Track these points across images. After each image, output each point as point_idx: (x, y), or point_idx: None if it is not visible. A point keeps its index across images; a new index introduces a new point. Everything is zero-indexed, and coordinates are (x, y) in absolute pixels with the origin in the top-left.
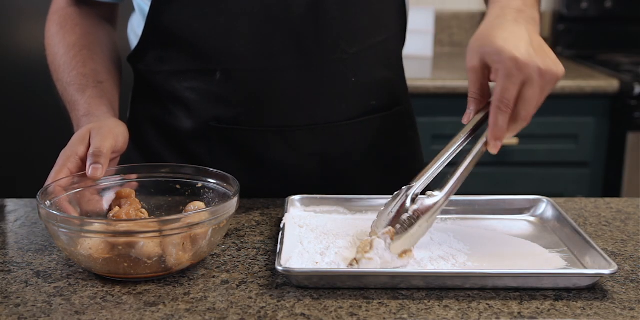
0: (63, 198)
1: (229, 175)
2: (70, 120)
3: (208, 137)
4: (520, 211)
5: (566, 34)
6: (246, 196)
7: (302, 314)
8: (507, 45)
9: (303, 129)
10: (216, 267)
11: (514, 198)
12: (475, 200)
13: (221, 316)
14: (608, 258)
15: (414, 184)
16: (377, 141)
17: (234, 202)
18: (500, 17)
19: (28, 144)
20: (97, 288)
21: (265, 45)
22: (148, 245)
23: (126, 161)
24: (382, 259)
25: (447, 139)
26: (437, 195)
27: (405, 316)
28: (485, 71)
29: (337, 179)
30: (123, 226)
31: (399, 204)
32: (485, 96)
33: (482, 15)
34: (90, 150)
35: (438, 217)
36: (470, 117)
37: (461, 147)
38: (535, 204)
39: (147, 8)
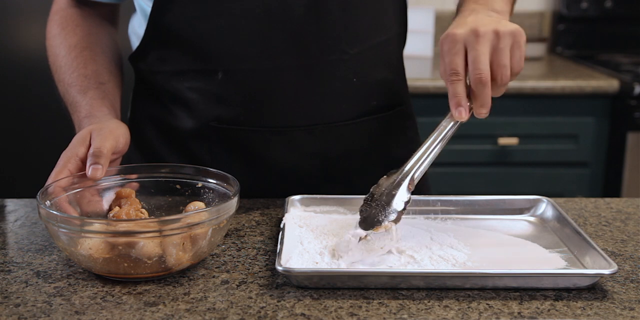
0: (63, 198)
1: (229, 175)
2: (71, 121)
3: (208, 137)
4: (520, 211)
5: (566, 34)
6: (246, 196)
7: (302, 314)
8: (448, 31)
9: (303, 129)
10: (216, 267)
11: (514, 198)
12: (475, 200)
13: (221, 316)
14: (608, 258)
15: (407, 169)
16: (378, 141)
17: (234, 202)
18: (457, 19)
19: (28, 144)
20: (97, 288)
21: (266, 45)
22: (148, 245)
23: (126, 161)
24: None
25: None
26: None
27: (405, 316)
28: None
29: (337, 179)
30: (123, 226)
31: (393, 191)
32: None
33: None
34: (90, 151)
35: (439, 216)
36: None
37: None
38: (535, 204)
39: (148, 8)
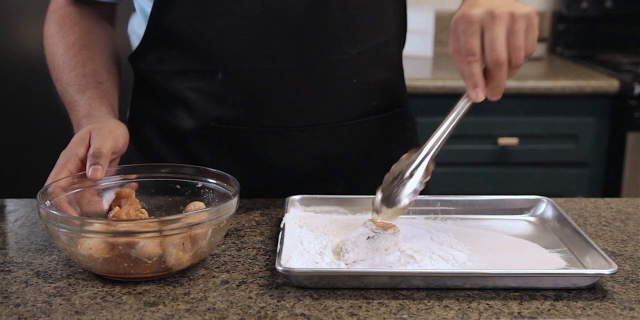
0: (62, 198)
1: (229, 175)
2: (69, 120)
3: (208, 137)
4: (520, 211)
5: (566, 34)
6: (246, 196)
7: (302, 314)
8: (460, 12)
9: (303, 130)
10: (216, 267)
11: (514, 198)
12: (475, 200)
13: (221, 316)
14: (608, 258)
15: (427, 149)
16: (377, 141)
17: (234, 202)
18: (470, 1)
19: (28, 144)
20: (97, 288)
21: (267, 45)
22: (148, 245)
23: (126, 161)
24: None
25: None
26: (417, 152)
27: (405, 316)
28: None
29: (337, 179)
30: (123, 226)
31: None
32: None
33: None
34: (90, 151)
35: (439, 216)
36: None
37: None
38: (535, 204)
39: (148, 9)
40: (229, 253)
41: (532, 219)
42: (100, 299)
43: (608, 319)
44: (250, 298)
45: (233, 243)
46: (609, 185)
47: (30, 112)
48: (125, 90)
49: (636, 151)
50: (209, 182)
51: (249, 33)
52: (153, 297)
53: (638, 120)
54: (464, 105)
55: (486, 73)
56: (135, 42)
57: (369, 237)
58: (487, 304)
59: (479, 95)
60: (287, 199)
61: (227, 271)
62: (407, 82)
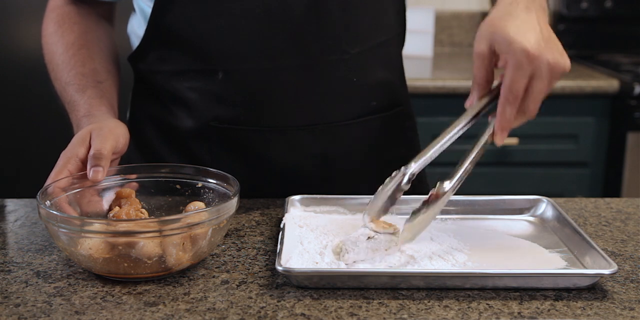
0: (62, 199)
1: (229, 175)
2: (69, 120)
3: (208, 137)
4: (520, 211)
5: (566, 34)
6: (246, 196)
7: (302, 314)
8: (518, 35)
9: (303, 129)
10: (216, 267)
11: (514, 198)
12: (475, 200)
13: (221, 316)
14: (608, 258)
15: (412, 164)
16: (377, 141)
17: (234, 202)
18: (513, 4)
19: (28, 144)
20: (97, 288)
21: (266, 45)
22: (148, 245)
23: (126, 161)
24: (366, 250)
25: (449, 124)
26: (447, 185)
27: (405, 316)
28: (492, 58)
29: (337, 179)
30: (123, 226)
31: (396, 183)
32: (489, 82)
33: (482, 15)
34: (91, 153)
35: (439, 216)
36: (472, 102)
37: (461, 132)
38: (535, 204)
39: (148, 9)
40: (229, 253)
41: (532, 219)
42: (100, 299)
43: (608, 319)
44: (250, 298)
45: (233, 243)
46: (609, 185)
47: (30, 112)
48: (125, 91)
49: (636, 151)
50: (209, 182)
51: (249, 33)
52: (153, 297)
53: (638, 120)
54: (483, 141)
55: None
56: (135, 42)
57: (369, 238)
58: (487, 304)
59: (503, 140)
60: (287, 199)
61: (227, 271)
62: (407, 82)
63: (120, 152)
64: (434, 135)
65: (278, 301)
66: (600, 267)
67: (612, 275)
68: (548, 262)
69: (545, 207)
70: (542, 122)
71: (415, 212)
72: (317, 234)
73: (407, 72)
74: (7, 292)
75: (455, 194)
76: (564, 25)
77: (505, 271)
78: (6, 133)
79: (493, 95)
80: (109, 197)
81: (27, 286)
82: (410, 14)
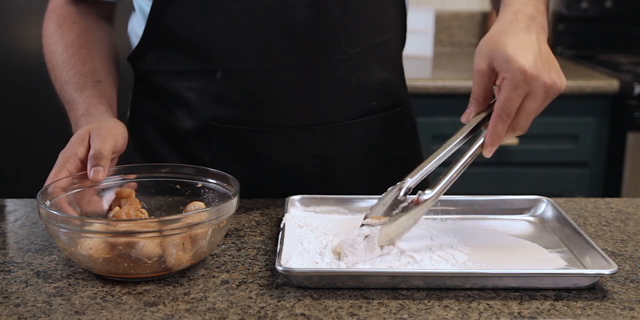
0: (62, 199)
1: (229, 175)
2: (67, 119)
3: (208, 137)
4: (520, 211)
5: (566, 34)
6: (246, 196)
7: (302, 314)
8: (517, 54)
9: (303, 129)
10: (216, 267)
11: (514, 198)
12: (475, 200)
13: (221, 316)
14: (608, 258)
15: (408, 179)
16: (377, 141)
17: (234, 202)
18: (513, 23)
19: (28, 144)
20: (97, 288)
21: (266, 45)
22: (148, 245)
23: (126, 161)
24: (364, 250)
25: (447, 139)
26: (428, 194)
27: (405, 316)
28: (491, 75)
29: (337, 179)
30: (123, 226)
31: (392, 197)
32: (487, 99)
33: (482, 15)
34: (91, 153)
35: (434, 217)
36: (469, 118)
37: (457, 147)
38: (535, 204)
39: (147, 8)
40: (229, 253)
41: (532, 219)
42: (100, 299)
43: (608, 319)
44: (250, 298)
45: (233, 243)
46: (609, 185)
47: (30, 112)
48: (125, 91)
49: (636, 151)
50: (209, 182)
51: (249, 33)
52: (153, 297)
53: (638, 120)
54: (473, 155)
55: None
56: (135, 42)
57: (366, 237)
58: (487, 304)
59: (491, 154)
60: (287, 199)
61: (227, 271)
62: (407, 82)
63: (120, 152)
64: (434, 135)
65: (278, 301)
66: (600, 267)
67: (612, 275)
68: (548, 262)
69: (545, 207)
70: (542, 122)
71: (393, 216)
72: (317, 234)
73: (407, 72)
74: (7, 292)
75: (455, 194)
76: (564, 25)
77: (505, 271)
78: (6, 133)
79: (490, 111)
80: (109, 197)
81: (27, 286)
82: (410, 14)
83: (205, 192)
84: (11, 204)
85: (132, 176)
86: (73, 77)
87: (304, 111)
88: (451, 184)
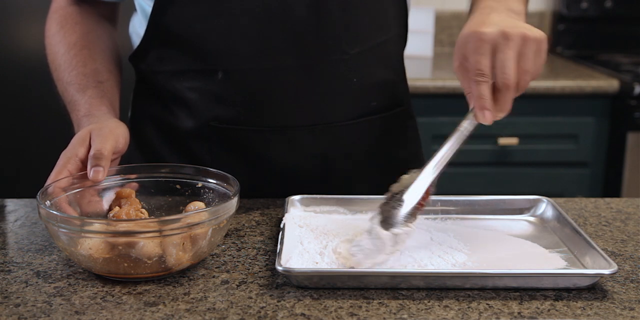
0: (62, 199)
1: (229, 175)
2: (70, 120)
3: (208, 137)
4: (520, 211)
5: (566, 34)
6: (246, 196)
7: (302, 314)
8: (471, 27)
9: (303, 129)
10: (216, 267)
11: (514, 198)
12: (475, 200)
13: (221, 316)
14: (608, 258)
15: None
16: (378, 142)
17: (234, 202)
18: (478, 15)
19: (28, 144)
20: (97, 288)
21: (266, 45)
22: (148, 245)
23: (127, 161)
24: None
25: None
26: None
27: (405, 316)
28: (468, 67)
29: (338, 179)
30: (123, 226)
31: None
32: None
33: None
34: (91, 153)
35: (434, 216)
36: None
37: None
38: (535, 204)
39: (148, 8)
40: (229, 253)
41: (532, 219)
42: (100, 299)
43: (608, 319)
44: (250, 298)
45: (233, 243)
46: (609, 185)
47: (30, 112)
48: (126, 91)
49: (636, 151)
50: (209, 182)
51: (249, 33)
52: (153, 297)
53: (638, 120)
54: (468, 126)
55: (492, 94)
56: (136, 41)
57: (369, 233)
58: (487, 304)
59: (487, 118)
60: (287, 199)
61: (227, 271)
62: (407, 82)
63: (120, 152)
64: (434, 135)
65: (278, 301)
66: (600, 267)
67: (612, 275)
68: (548, 262)
69: (545, 207)
70: (542, 122)
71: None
72: (317, 234)
73: (407, 72)
74: (7, 292)
75: (455, 194)
76: (564, 25)
77: (505, 271)
78: (6, 133)
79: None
80: (109, 197)
81: (27, 286)
82: (411, 14)
83: (205, 192)
84: (11, 204)
85: (133, 176)
86: (75, 77)
87: (304, 111)
88: (448, 158)
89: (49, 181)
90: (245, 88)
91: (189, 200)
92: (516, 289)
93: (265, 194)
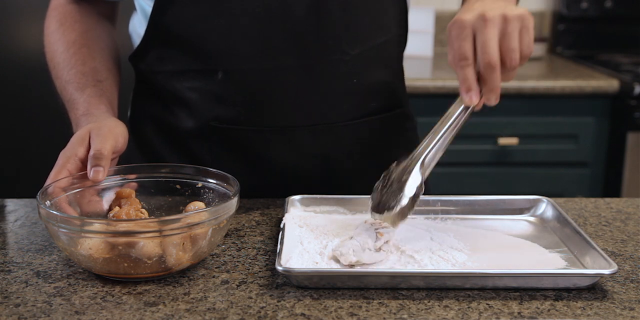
0: (62, 199)
1: (229, 175)
2: (68, 118)
3: (208, 137)
4: (520, 211)
5: (566, 34)
6: (246, 196)
7: (302, 314)
8: (456, 18)
9: (303, 130)
10: (216, 267)
11: (514, 198)
12: (475, 200)
13: (221, 316)
14: (608, 258)
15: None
16: (377, 142)
17: (234, 202)
18: (464, 5)
19: (28, 144)
20: (97, 288)
21: (267, 45)
22: (148, 245)
23: (126, 161)
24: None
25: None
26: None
27: (405, 316)
28: None
29: (337, 179)
30: (123, 226)
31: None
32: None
33: None
34: (91, 153)
35: (434, 216)
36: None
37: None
38: (535, 204)
39: (148, 8)
40: (229, 253)
41: (532, 219)
42: (100, 299)
43: (608, 319)
44: (250, 298)
45: (233, 243)
46: (609, 185)
47: (30, 112)
48: (126, 90)
49: (636, 151)
50: (209, 182)
51: (249, 33)
52: (153, 297)
53: (638, 120)
54: (455, 109)
55: (480, 77)
56: (136, 41)
57: (353, 237)
58: (487, 304)
59: (473, 99)
60: (287, 199)
61: (227, 271)
62: (407, 82)
63: (120, 151)
64: None
65: (278, 301)
66: (600, 267)
67: (612, 275)
68: (548, 262)
69: (545, 207)
70: (542, 122)
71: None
72: (317, 234)
73: (407, 72)
74: (7, 292)
75: (455, 194)
76: (564, 25)
77: (505, 271)
78: (6, 133)
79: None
80: (109, 197)
81: (27, 286)
82: (411, 14)
83: (205, 192)
84: (11, 204)
85: (132, 176)
86: (74, 76)
87: (304, 111)
88: (444, 143)
89: (48, 181)
90: (246, 88)
91: (189, 200)
92: (516, 289)
93: (265, 194)
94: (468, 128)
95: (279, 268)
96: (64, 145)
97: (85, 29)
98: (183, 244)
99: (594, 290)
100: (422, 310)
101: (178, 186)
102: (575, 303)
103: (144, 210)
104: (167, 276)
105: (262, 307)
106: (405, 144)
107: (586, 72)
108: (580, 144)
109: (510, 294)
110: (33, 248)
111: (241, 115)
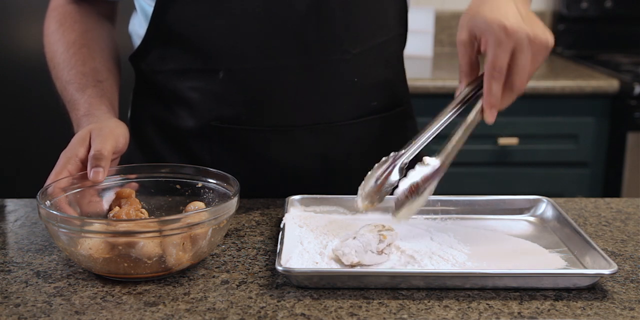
0: (62, 199)
1: (229, 175)
2: (69, 118)
3: (209, 137)
4: (520, 211)
5: (566, 34)
6: (246, 196)
7: (302, 314)
8: (495, 15)
9: (304, 129)
10: (216, 267)
11: (514, 198)
12: (475, 200)
13: (221, 316)
14: (608, 258)
15: (403, 151)
16: (378, 141)
17: (234, 202)
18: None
19: (28, 144)
20: (97, 288)
21: (268, 45)
22: (148, 245)
23: (127, 161)
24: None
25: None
26: (433, 162)
27: (405, 316)
28: (474, 44)
29: (338, 179)
30: (123, 226)
31: (386, 172)
32: (474, 69)
33: None
34: (91, 153)
35: (434, 216)
36: (461, 90)
37: (450, 119)
38: (535, 204)
39: (149, 8)
40: (229, 253)
41: (532, 219)
42: (100, 299)
43: (608, 319)
44: (250, 298)
45: (233, 243)
46: (609, 185)
47: (30, 112)
48: (126, 90)
49: (636, 151)
50: (209, 182)
51: (250, 32)
52: (153, 297)
53: (638, 120)
54: (473, 118)
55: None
56: (136, 41)
57: (354, 238)
58: (487, 304)
59: (494, 117)
60: (287, 199)
61: (227, 271)
62: (407, 82)
63: (120, 152)
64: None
65: (278, 301)
66: (600, 267)
67: (612, 275)
68: (548, 262)
69: (545, 207)
70: (542, 122)
71: (410, 197)
72: (317, 234)
73: (407, 72)
74: (7, 292)
75: (455, 194)
76: (564, 25)
77: (505, 271)
78: (6, 133)
79: (480, 82)
80: (109, 197)
81: (27, 286)
82: (411, 14)
83: (205, 192)
84: (11, 204)
85: (133, 176)
86: (74, 76)
87: (305, 111)
88: (456, 151)
89: (48, 181)
90: (247, 88)
91: (189, 200)
92: (516, 289)
93: (265, 194)
94: (457, 115)
95: (279, 268)
96: (64, 145)
97: (85, 29)
98: (183, 244)
99: (594, 290)
100: (422, 310)
101: (178, 186)
102: (575, 303)
103: (144, 210)
104: (167, 276)
105: (262, 307)
106: (405, 143)
107: (586, 72)
108: (580, 144)
109: (510, 294)
110: (33, 248)
111: (242, 115)
